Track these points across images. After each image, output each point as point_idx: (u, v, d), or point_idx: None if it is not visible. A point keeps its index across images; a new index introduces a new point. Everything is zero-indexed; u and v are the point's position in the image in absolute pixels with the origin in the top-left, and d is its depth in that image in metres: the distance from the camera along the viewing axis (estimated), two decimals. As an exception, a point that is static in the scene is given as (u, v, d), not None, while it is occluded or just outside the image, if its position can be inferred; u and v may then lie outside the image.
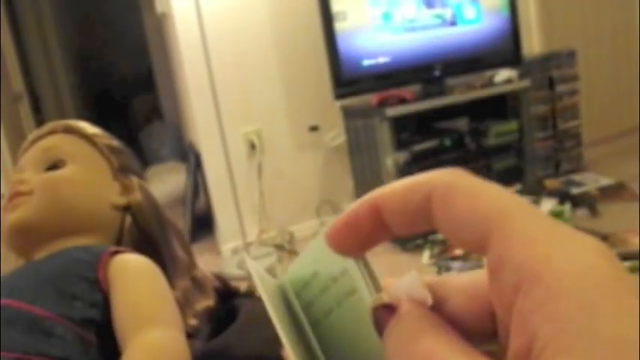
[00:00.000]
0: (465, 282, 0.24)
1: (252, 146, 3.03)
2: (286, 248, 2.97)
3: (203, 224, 3.46)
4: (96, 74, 6.67)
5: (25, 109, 3.84)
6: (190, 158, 3.36)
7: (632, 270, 2.16)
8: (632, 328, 0.16)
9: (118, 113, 6.32)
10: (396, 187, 0.24)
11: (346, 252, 0.25)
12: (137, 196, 0.86)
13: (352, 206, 0.25)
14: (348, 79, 2.78)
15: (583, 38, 3.77)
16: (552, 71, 3.32)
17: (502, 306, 0.20)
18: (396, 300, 0.23)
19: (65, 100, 5.45)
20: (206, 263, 2.83)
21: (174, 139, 5.17)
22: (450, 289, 0.24)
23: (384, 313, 0.23)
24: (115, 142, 0.90)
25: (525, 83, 2.98)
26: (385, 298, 0.23)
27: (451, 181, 0.22)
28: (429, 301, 0.23)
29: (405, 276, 0.24)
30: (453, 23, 2.94)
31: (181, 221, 3.43)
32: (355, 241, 0.25)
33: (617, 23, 4.04)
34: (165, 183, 4.11)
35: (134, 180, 0.88)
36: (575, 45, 3.44)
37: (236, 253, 2.97)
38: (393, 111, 2.68)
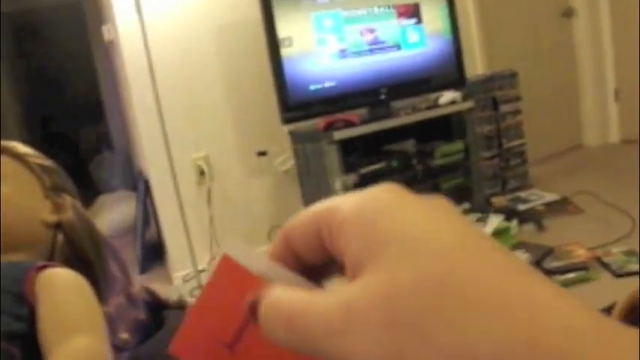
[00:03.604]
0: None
1: (201, 172, 3.01)
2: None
3: (155, 253, 3.41)
4: (43, 103, 6.55)
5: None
6: (140, 186, 3.32)
7: (578, 281, 2.22)
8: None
9: (67, 143, 6.21)
10: (300, 219, 0.27)
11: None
12: (69, 215, 0.88)
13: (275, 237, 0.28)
14: (295, 103, 2.79)
15: (523, 59, 3.90)
16: (495, 92, 3.42)
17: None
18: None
19: (10, 129, 5.34)
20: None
21: (125, 168, 5.09)
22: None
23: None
24: (48, 162, 0.93)
25: (469, 104, 3.06)
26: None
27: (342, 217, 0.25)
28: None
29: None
30: (398, 47, 3.01)
31: (132, 250, 3.37)
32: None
33: (555, 44, 4.20)
34: (116, 212, 4.04)
35: (67, 198, 0.91)
36: (517, 66, 3.56)
37: (187, 281, 2.94)
38: (340, 134, 2.71)
